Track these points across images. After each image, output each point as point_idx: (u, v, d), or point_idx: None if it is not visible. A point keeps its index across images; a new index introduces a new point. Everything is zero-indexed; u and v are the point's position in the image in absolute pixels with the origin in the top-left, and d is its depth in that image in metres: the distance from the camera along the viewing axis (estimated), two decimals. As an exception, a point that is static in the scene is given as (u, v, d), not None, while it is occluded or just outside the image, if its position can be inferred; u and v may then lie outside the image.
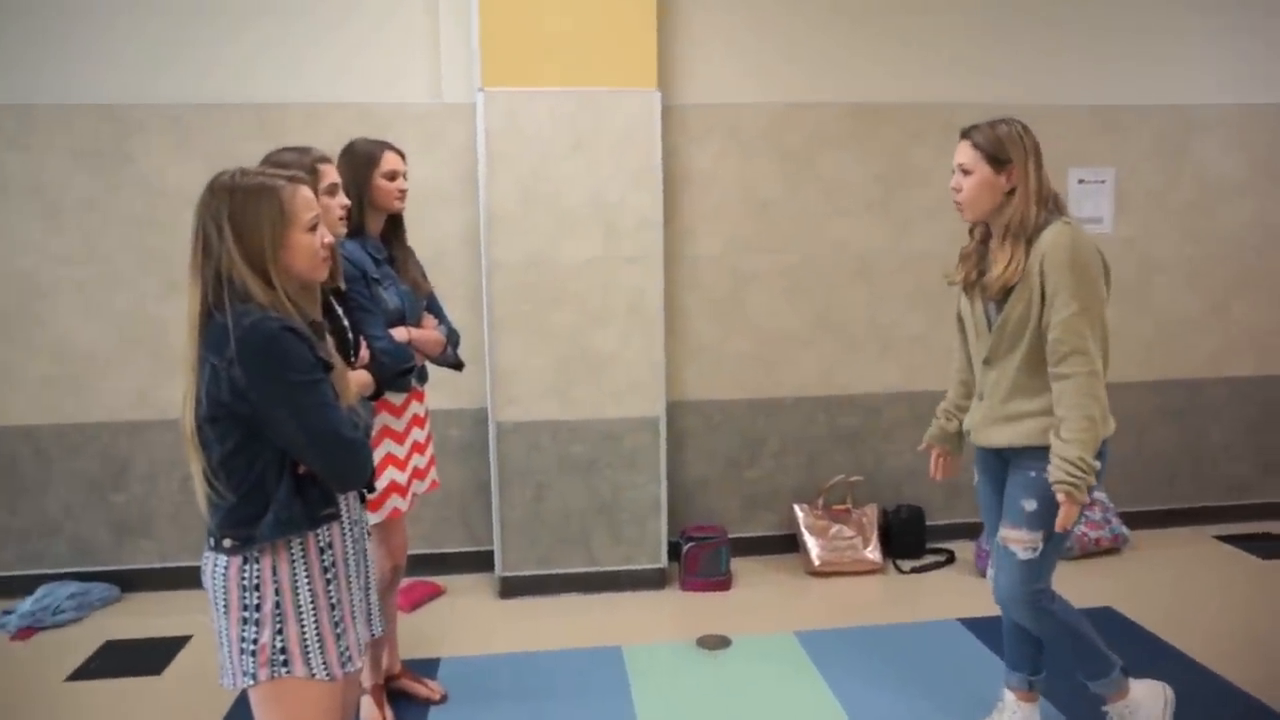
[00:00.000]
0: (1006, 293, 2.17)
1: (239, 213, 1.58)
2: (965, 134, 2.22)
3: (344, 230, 2.32)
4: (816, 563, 3.74)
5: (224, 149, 3.42)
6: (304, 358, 1.58)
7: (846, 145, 3.81)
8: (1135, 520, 4.02)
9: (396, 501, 2.53)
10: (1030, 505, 2.19)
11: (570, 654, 3.14)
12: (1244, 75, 4.00)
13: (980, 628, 3.20)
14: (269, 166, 1.84)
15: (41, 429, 3.59)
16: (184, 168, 3.47)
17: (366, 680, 2.61)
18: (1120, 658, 2.35)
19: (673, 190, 3.66)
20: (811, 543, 3.76)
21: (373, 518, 2.44)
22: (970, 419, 2.40)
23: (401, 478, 2.55)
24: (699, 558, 3.65)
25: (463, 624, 3.40)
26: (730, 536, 3.75)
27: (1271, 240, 4.12)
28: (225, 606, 1.63)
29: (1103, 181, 3.97)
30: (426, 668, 2.99)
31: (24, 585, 3.54)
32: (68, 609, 3.42)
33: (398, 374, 2.42)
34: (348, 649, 1.72)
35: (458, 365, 2.78)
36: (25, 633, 3.32)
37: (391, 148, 2.57)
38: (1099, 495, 3.89)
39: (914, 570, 3.80)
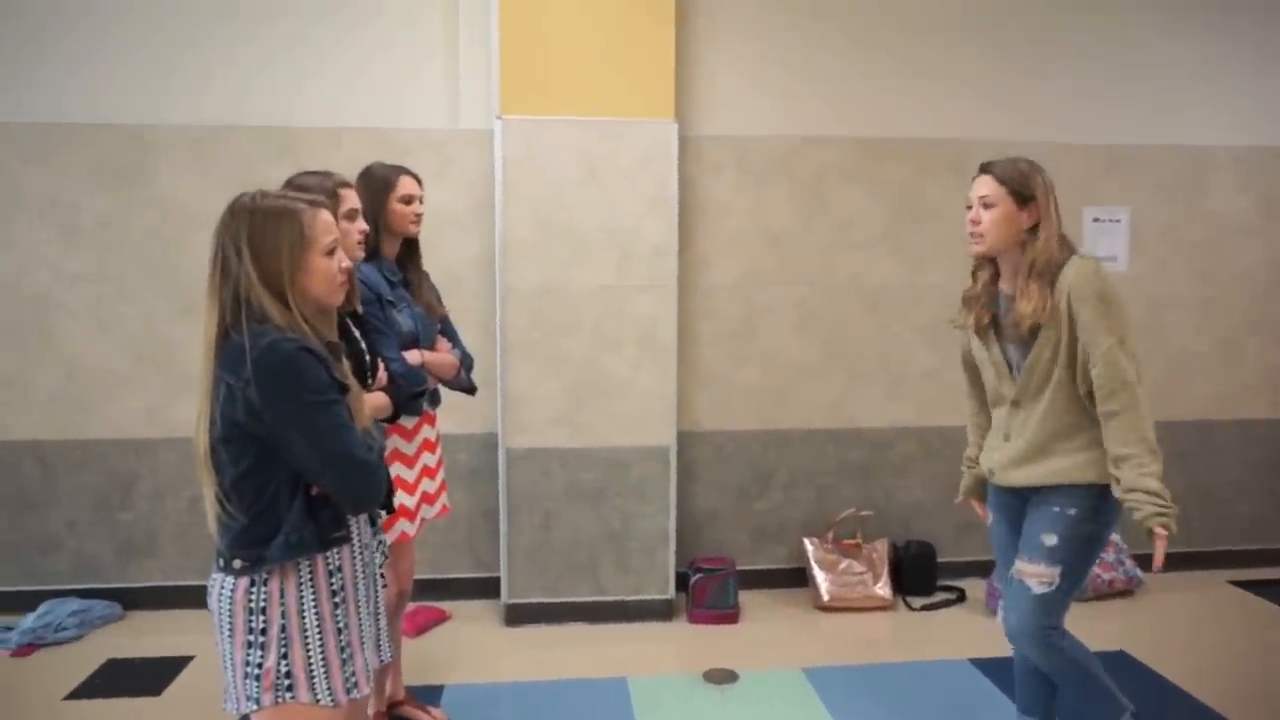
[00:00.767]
0: (1029, 332, 2.15)
1: (258, 235, 1.58)
2: (986, 168, 2.21)
3: (362, 255, 2.33)
4: (826, 598, 3.70)
5: (242, 171, 3.45)
6: (320, 379, 1.57)
7: (859, 179, 3.82)
8: (1148, 562, 3.95)
9: (404, 526, 2.52)
10: (1050, 540, 2.16)
11: (575, 684, 3.10)
12: (1258, 117, 4.01)
13: (991, 668, 3.15)
14: (290, 190, 1.85)
15: (49, 444, 3.58)
16: (200, 189, 3.50)
17: (370, 707, 2.57)
18: (1131, 702, 2.31)
19: (687, 220, 3.68)
20: (821, 577, 3.73)
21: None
22: (990, 458, 2.34)
23: (410, 502, 2.54)
24: (707, 589, 3.61)
25: (467, 651, 3.37)
26: (739, 569, 3.71)
27: (1284, 282, 4.11)
28: (230, 629, 1.62)
29: (1118, 220, 3.97)
30: (430, 695, 2.95)
31: (26, 601, 3.52)
32: (70, 626, 3.40)
33: (411, 397, 2.42)
34: (354, 674, 1.70)
35: (471, 389, 2.78)
36: (26, 649, 3.30)
37: (408, 172, 2.59)
38: (1113, 536, 3.84)
39: (924, 608, 3.75)
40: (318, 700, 1.63)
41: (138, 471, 3.63)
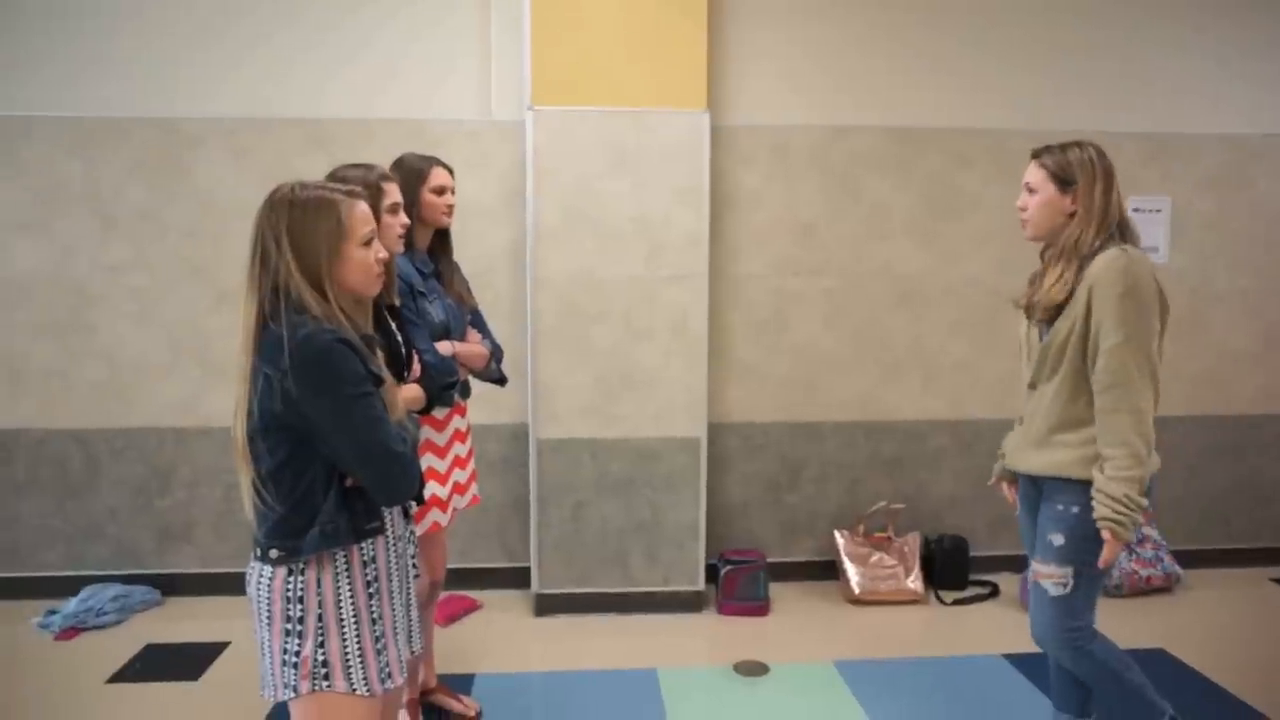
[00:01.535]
0: (1051, 314, 2.15)
1: (297, 225, 1.59)
2: (1035, 155, 2.22)
3: (401, 248, 2.34)
4: (857, 591, 3.68)
5: (277, 163, 3.48)
6: (356, 371, 1.58)
7: (892, 169, 3.78)
8: (1189, 559, 3.89)
9: (436, 516, 2.53)
10: (1058, 540, 2.14)
11: (605, 675, 3.11)
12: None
13: (1025, 664, 3.11)
14: (332, 182, 1.85)
15: (91, 433, 3.65)
16: (237, 181, 3.54)
17: (403, 695, 2.60)
18: (1170, 703, 2.26)
19: (718, 210, 3.65)
20: (852, 570, 3.70)
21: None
22: (1008, 441, 2.37)
23: (442, 492, 2.55)
24: (737, 581, 3.60)
25: (498, 640, 3.39)
26: (769, 561, 3.70)
27: (1332, 273, 4.00)
28: (269, 617, 1.63)
29: (1159, 210, 3.89)
30: (461, 683, 2.98)
31: (68, 586, 3.60)
32: (110, 611, 3.47)
33: (442, 388, 2.43)
34: (388, 665, 1.71)
35: (501, 380, 2.78)
36: (69, 633, 3.37)
37: (440, 163, 2.59)
38: (1149, 532, 3.78)
39: (956, 602, 3.72)
40: (353, 689, 1.65)
41: (176, 460, 3.69)
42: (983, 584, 3.82)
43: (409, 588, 1.85)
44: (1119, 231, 2.14)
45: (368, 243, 1.66)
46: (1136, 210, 3.87)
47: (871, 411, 3.89)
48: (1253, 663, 3.17)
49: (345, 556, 1.65)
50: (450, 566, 2.98)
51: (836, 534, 3.79)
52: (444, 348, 2.49)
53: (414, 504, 1.87)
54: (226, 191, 3.55)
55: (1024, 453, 2.26)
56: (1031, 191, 2.20)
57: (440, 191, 2.56)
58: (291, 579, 1.62)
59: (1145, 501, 2.04)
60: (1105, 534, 2.03)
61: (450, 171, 2.61)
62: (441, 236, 2.66)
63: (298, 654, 1.62)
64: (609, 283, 3.50)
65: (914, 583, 3.70)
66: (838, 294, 3.82)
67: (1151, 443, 2.07)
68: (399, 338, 2.17)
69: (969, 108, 3.78)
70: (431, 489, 2.51)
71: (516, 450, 3.71)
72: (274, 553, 1.62)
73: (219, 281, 3.58)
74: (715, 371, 3.73)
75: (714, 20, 3.53)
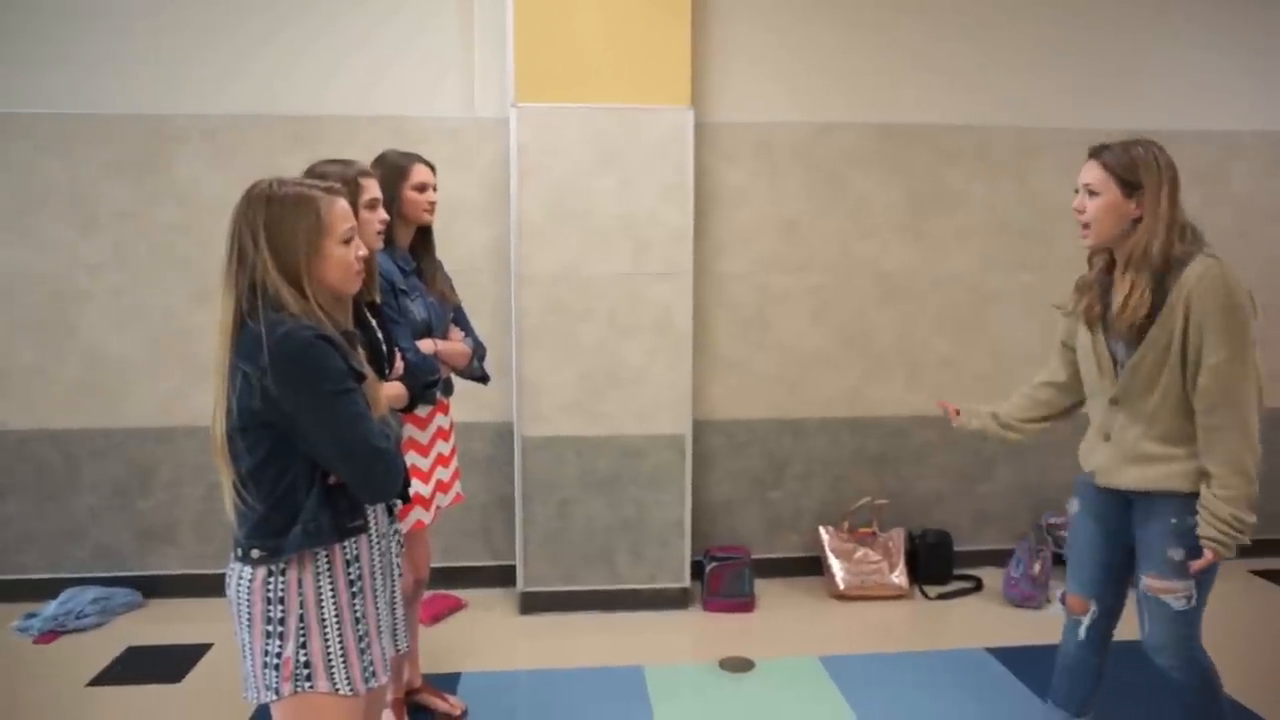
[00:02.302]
0: (1138, 329, 2.01)
1: (275, 222, 1.58)
2: (1094, 153, 2.06)
3: (381, 244, 2.32)
4: (841, 586, 3.69)
5: (258, 161, 3.45)
6: (337, 367, 1.57)
7: (877, 166, 3.79)
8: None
9: (419, 514, 2.52)
10: (1178, 555, 2.05)
11: (591, 672, 3.10)
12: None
13: (1008, 657, 3.14)
14: (310, 178, 1.84)
15: (70, 433, 3.61)
16: (218, 178, 3.51)
17: (388, 694, 2.59)
18: (1148, 695, 2.25)
19: (702, 207, 3.65)
20: (837, 566, 3.72)
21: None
22: (1092, 459, 2.21)
23: (425, 490, 2.54)
24: (722, 578, 3.61)
25: (484, 639, 3.38)
26: (754, 557, 3.71)
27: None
28: (249, 619, 1.62)
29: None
30: (447, 682, 2.97)
31: (48, 589, 3.56)
32: (91, 613, 3.43)
33: (424, 386, 2.41)
34: (371, 664, 1.70)
35: (484, 378, 2.77)
36: (49, 636, 3.33)
37: (421, 160, 2.57)
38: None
39: (940, 597, 3.74)
40: (336, 689, 1.64)
41: (157, 460, 3.65)
42: (966, 578, 3.84)
43: (394, 586, 1.84)
44: (1193, 236, 2.02)
45: (347, 240, 1.65)
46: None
47: (856, 408, 3.90)
48: (1231, 655, 3.16)
49: (327, 556, 1.64)
50: (435, 565, 2.97)
51: (821, 530, 3.80)
52: (426, 346, 2.47)
53: (399, 501, 1.86)
54: (208, 189, 3.52)
55: (1119, 471, 2.13)
56: (1093, 193, 2.03)
57: (422, 188, 2.54)
58: (272, 580, 1.60)
59: (1253, 519, 1.97)
60: (1207, 553, 1.97)
61: (432, 168, 2.59)
62: (424, 234, 2.64)
63: (279, 655, 1.61)
64: (593, 280, 3.49)
65: (898, 578, 3.71)
66: (822, 291, 3.83)
67: (1259, 457, 1.98)
68: (380, 335, 2.16)
69: (954, 104, 3.79)
70: (415, 487, 2.50)
71: (501, 448, 3.69)
72: (255, 552, 1.60)
73: (200, 280, 3.55)
74: (700, 368, 3.73)
75: (698, 17, 3.53)
